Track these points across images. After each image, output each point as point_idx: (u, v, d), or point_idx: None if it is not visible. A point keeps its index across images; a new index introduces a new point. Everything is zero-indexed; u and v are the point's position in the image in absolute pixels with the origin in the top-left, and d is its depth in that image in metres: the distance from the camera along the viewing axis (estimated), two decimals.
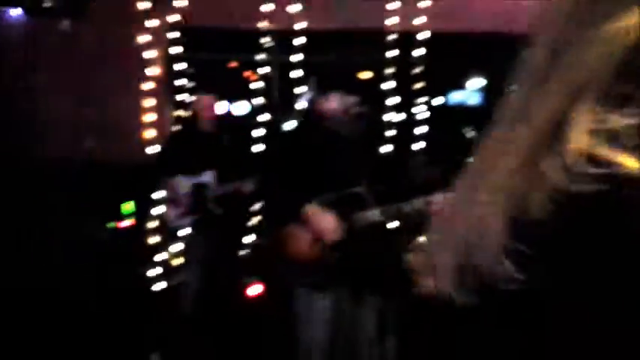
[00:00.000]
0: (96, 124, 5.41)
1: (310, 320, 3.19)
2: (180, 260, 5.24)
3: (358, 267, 3.18)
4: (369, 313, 3.24)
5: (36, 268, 4.67)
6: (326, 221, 3.07)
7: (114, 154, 5.31)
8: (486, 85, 6.50)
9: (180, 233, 4.74)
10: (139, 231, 5.30)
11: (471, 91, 6.38)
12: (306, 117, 3.37)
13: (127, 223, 5.30)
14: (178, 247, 5.09)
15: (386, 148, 3.57)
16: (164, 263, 5.24)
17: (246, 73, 6.21)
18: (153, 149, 5.31)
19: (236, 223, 4.68)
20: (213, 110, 4.61)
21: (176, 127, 5.41)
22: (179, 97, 5.41)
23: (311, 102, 3.31)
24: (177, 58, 5.28)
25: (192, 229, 4.64)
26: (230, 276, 4.89)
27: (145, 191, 5.28)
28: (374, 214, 3.09)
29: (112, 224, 5.27)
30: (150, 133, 5.32)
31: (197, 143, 4.60)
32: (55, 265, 4.85)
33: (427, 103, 5.55)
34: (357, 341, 3.24)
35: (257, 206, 4.99)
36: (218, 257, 4.73)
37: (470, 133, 4.11)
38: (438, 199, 3.02)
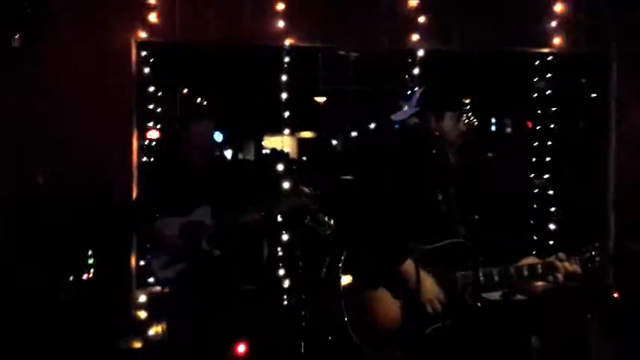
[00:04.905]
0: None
1: None
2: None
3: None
4: None
5: None
6: (428, 285, 2.47)
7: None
8: None
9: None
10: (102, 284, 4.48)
11: None
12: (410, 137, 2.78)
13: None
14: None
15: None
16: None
17: None
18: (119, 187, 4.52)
19: (239, 264, 3.93)
20: (208, 139, 3.90)
21: (145, 160, 4.64)
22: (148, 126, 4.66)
23: (417, 119, 2.74)
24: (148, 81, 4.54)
25: (181, 278, 3.87)
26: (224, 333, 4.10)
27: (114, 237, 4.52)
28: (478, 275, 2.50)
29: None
30: (115, 169, 4.53)
31: (189, 177, 3.86)
32: None
33: None
34: None
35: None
36: (213, 310, 3.95)
37: None
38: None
